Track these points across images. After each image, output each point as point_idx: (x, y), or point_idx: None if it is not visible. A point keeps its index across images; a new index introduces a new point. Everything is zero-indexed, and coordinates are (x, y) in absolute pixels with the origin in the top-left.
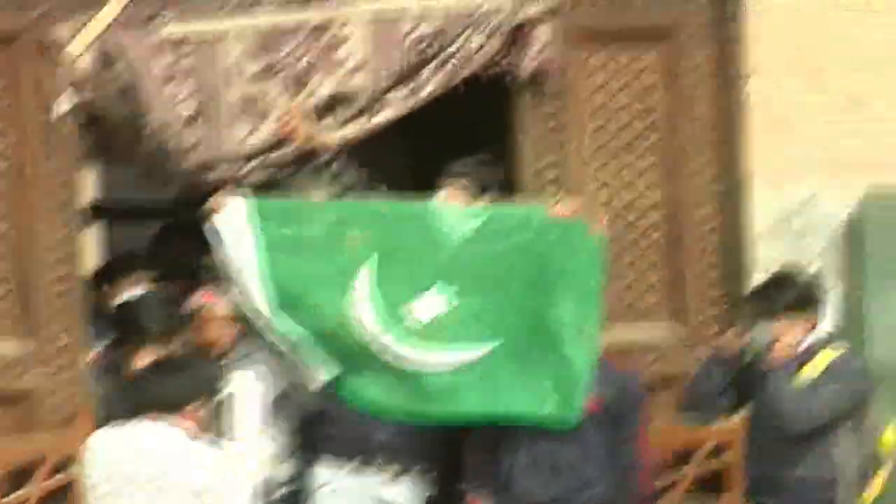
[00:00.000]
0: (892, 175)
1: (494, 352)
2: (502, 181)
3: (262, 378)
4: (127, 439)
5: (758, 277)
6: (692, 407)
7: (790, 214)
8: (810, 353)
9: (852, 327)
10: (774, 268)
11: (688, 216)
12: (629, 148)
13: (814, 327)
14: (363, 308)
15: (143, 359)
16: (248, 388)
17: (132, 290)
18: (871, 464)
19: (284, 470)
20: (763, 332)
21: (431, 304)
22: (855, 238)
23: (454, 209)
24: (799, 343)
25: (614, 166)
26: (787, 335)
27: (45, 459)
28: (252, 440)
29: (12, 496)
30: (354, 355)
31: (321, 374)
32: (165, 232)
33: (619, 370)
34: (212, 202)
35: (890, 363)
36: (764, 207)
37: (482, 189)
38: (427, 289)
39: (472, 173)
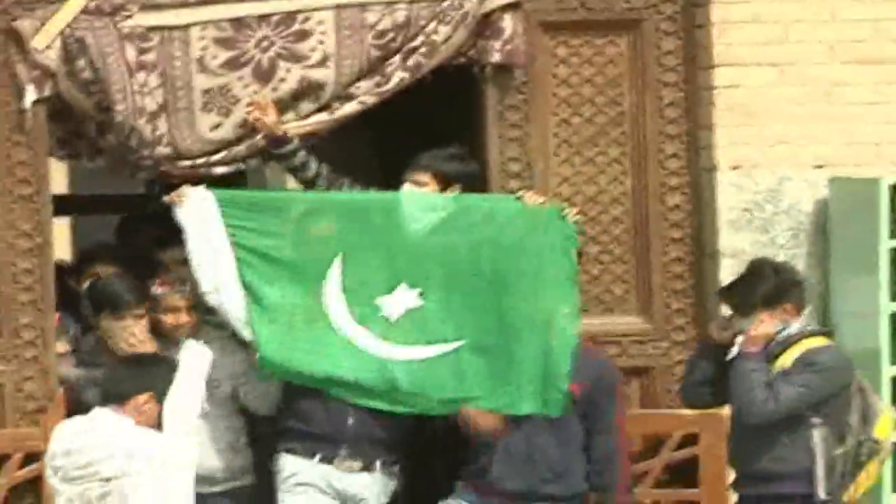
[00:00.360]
0: (857, 164)
1: (464, 347)
2: (470, 174)
3: (204, 361)
4: (85, 428)
5: (727, 269)
6: (684, 400)
7: (757, 204)
8: (788, 344)
9: (819, 315)
10: (744, 259)
11: (654, 207)
12: (595, 140)
13: (792, 318)
14: (334, 300)
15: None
16: (188, 372)
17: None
18: (867, 451)
19: (238, 460)
20: (748, 326)
21: (402, 299)
22: (821, 227)
23: (420, 200)
24: (776, 334)
25: (580, 159)
26: (759, 327)
27: (12, 454)
28: (187, 425)
29: None
30: (324, 346)
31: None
32: (126, 224)
33: (598, 357)
34: (174, 194)
35: (855, 350)
36: (731, 198)
37: (450, 182)
38: (397, 283)
39: (440, 166)
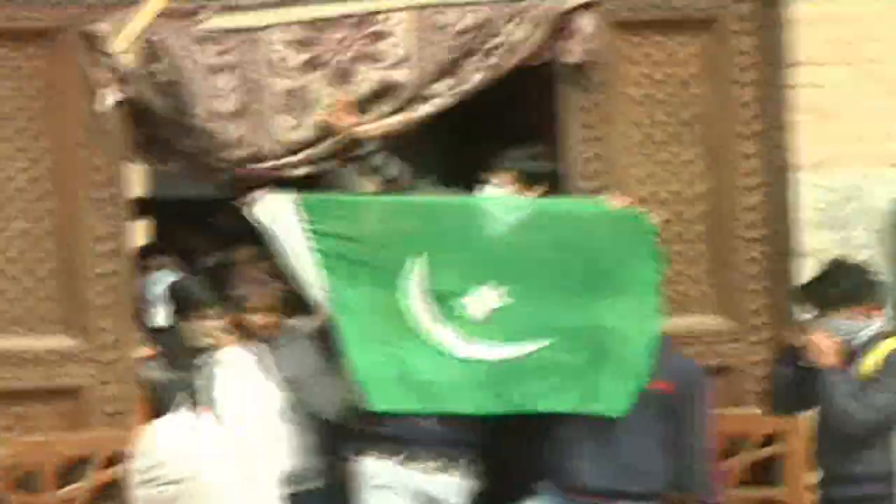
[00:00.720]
0: None
1: (549, 347)
2: (551, 175)
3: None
4: (169, 430)
5: (805, 268)
6: (774, 409)
7: (837, 204)
8: (872, 344)
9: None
10: (822, 258)
11: (733, 207)
12: (670, 141)
13: (872, 317)
14: (418, 302)
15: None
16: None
17: (155, 274)
18: None
19: (310, 462)
20: (823, 328)
21: (486, 299)
22: None
23: (501, 201)
24: (854, 337)
25: (656, 160)
26: (820, 342)
27: (96, 455)
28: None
29: (63, 491)
30: (404, 349)
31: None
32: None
33: (683, 356)
34: (251, 197)
35: None
36: (810, 197)
37: (531, 182)
38: (480, 284)
39: (522, 166)
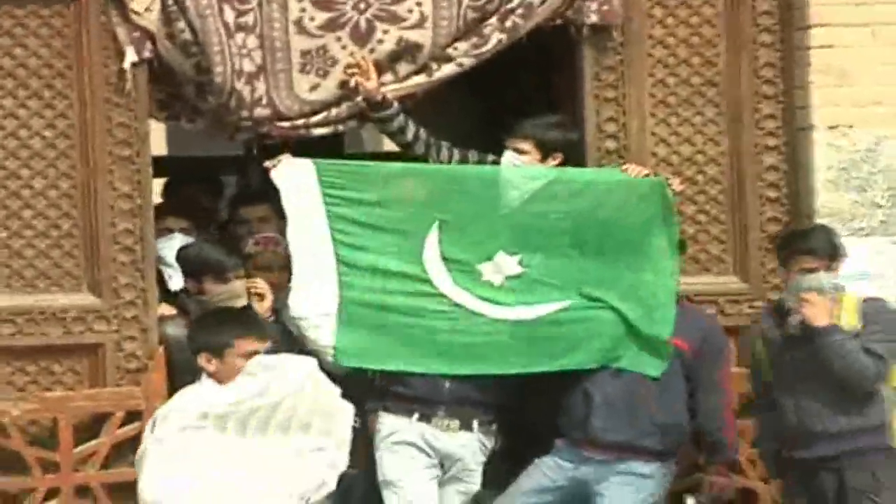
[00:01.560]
0: None
1: (569, 308)
2: (570, 143)
3: None
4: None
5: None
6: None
7: (854, 164)
8: (834, 300)
9: None
10: (839, 218)
11: (750, 168)
12: (690, 101)
13: (836, 273)
14: (435, 266)
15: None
16: None
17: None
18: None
19: None
20: (800, 283)
21: (502, 265)
22: None
23: (518, 171)
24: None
25: (676, 120)
26: (813, 293)
27: (114, 411)
28: None
29: (83, 447)
30: (422, 313)
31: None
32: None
33: (704, 317)
34: (273, 161)
35: None
36: (826, 158)
37: (550, 150)
38: (496, 251)
39: (541, 134)
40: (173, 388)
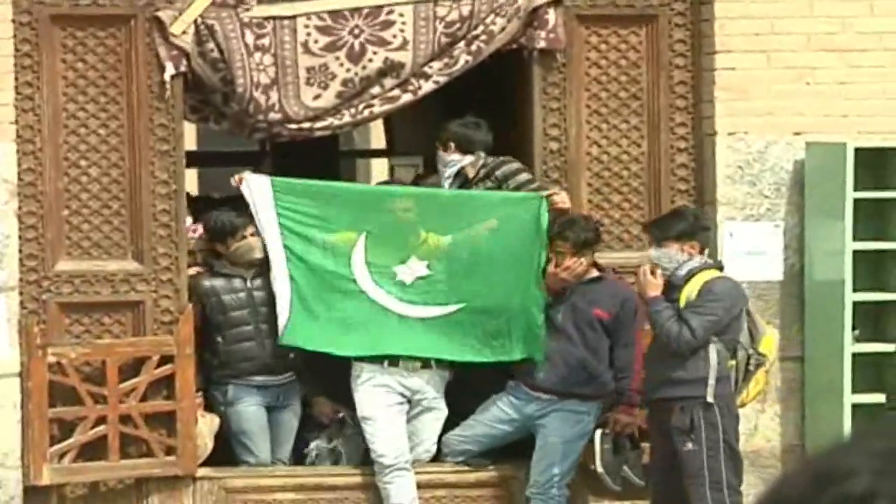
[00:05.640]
0: (827, 132)
1: (464, 310)
2: (485, 142)
3: None
4: None
5: (721, 213)
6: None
7: (747, 163)
8: (690, 276)
9: (796, 253)
10: (734, 206)
11: (665, 165)
12: (618, 111)
13: (694, 256)
14: (360, 269)
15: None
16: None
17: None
18: (754, 363)
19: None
20: (657, 258)
21: (413, 269)
22: (799, 182)
23: (423, 191)
24: (679, 267)
25: (606, 126)
26: (647, 268)
27: (151, 356)
28: None
29: (126, 384)
30: (350, 306)
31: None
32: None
33: (623, 287)
34: (238, 176)
35: (824, 280)
36: (726, 158)
37: (468, 147)
38: (408, 257)
39: (456, 132)
40: (205, 330)
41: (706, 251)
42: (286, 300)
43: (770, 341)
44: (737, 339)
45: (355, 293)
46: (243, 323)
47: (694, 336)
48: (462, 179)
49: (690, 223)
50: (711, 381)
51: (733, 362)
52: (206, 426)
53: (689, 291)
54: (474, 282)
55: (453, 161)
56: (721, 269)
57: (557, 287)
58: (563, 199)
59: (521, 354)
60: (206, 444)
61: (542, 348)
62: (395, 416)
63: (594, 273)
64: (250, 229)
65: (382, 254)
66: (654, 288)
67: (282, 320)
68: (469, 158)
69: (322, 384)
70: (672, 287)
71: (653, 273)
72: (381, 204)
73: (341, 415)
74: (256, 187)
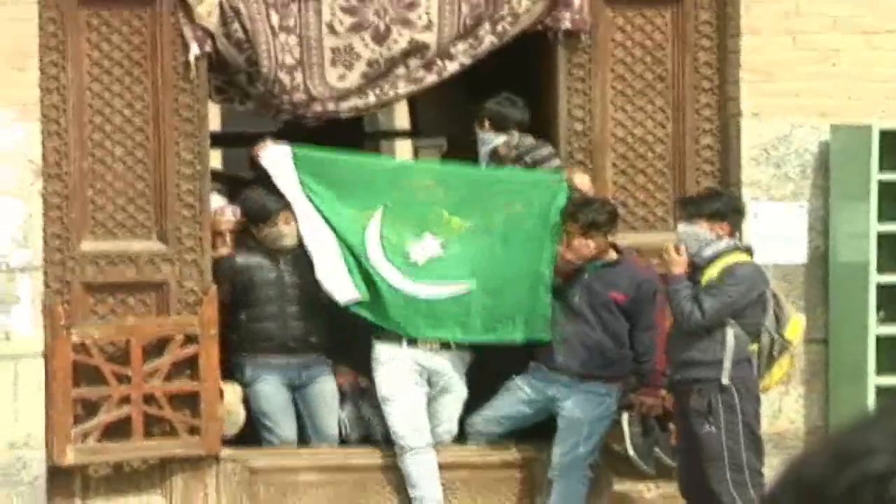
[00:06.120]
0: (852, 114)
1: (474, 288)
2: (521, 119)
3: None
4: None
5: (745, 196)
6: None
7: (772, 145)
8: (716, 257)
9: (821, 235)
10: (759, 188)
11: (690, 146)
12: (643, 92)
13: (723, 237)
14: (373, 244)
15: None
16: None
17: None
18: (778, 348)
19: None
20: (685, 235)
21: (427, 247)
22: (823, 163)
23: (446, 169)
24: (703, 248)
25: (631, 107)
26: (672, 247)
27: (175, 336)
28: None
29: (151, 363)
30: (365, 282)
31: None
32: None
33: (640, 270)
34: (258, 146)
35: (849, 262)
36: (751, 140)
37: (503, 125)
38: (422, 234)
39: (491, 110)
40: (235, 306)
41: (737, 235)
42: (334, 263)
43: (796, 326)
44: (761, 322)
45: (363, 266)
46: (268, 302)
47: (704, 317)
48: (497, 159)
49: (724, 203)
50: (727, 364)
51: (755, 346)
52: (234, 395)
53: (711, 273)
54: (485, 261)
55: (488, 139)
56: (751, 253)
57: (564, 269)
58: (581, 180)
59: (526, 336)
60: (239, 412)
61: (547, 329)
62: (415, 396)
63: (612, 255)
64: (284, 216)
65: (398, 229)
66: (679, 265)
67: (332, 283)
68: (503, 138)
69: (344, 356)
70: (695, 268)
71: (677, 251)
72: (401, 179)
73: (363, 384)
74: (276, 158)
